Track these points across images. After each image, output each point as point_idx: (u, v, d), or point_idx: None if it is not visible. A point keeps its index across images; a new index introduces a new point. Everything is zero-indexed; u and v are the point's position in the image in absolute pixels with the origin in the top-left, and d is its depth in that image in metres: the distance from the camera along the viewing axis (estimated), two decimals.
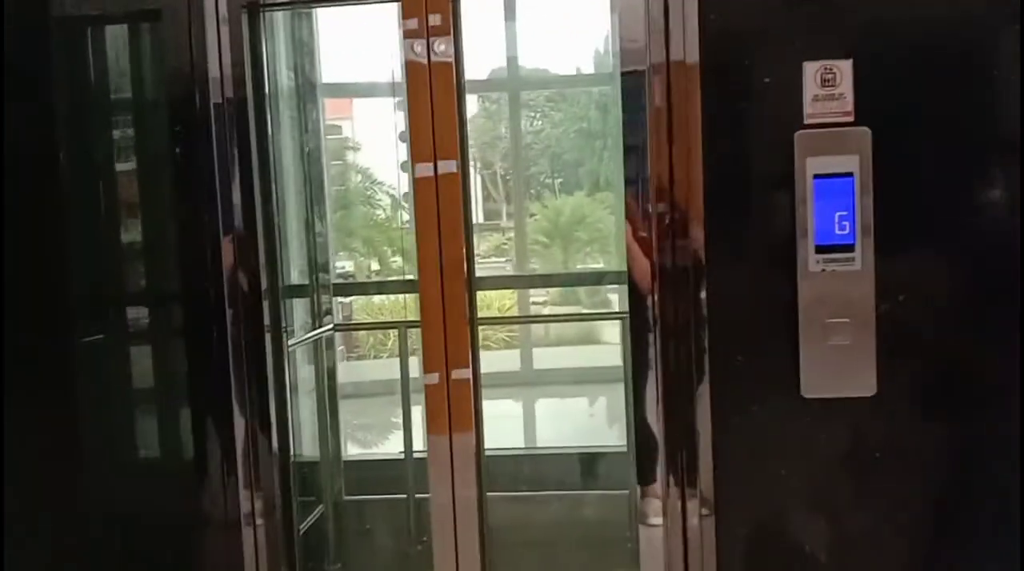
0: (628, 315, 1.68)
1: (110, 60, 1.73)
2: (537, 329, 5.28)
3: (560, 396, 4.22)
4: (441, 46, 1.71)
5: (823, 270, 1.40)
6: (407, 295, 5.15)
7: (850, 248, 1.39)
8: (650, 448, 1.65)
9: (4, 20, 1.55)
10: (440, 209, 1.73)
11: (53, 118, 1.61)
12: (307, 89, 2.85)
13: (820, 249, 1.41)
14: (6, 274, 1.57)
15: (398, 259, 6.25)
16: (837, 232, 1.37)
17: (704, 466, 1.59)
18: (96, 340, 1.69)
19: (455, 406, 1.73)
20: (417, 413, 2.84)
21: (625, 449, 3.14)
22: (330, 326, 2.79)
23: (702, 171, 1.53)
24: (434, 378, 1.73)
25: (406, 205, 6.34)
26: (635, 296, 1.63)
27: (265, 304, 1.74)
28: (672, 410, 1.60)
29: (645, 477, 1.66)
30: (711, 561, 1.60)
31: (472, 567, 1.75)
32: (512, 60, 4.82)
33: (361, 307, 4.97)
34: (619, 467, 3.03)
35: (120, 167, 1.80)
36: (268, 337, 1.74)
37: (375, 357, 5.20)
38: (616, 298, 5.37)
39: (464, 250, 1.73)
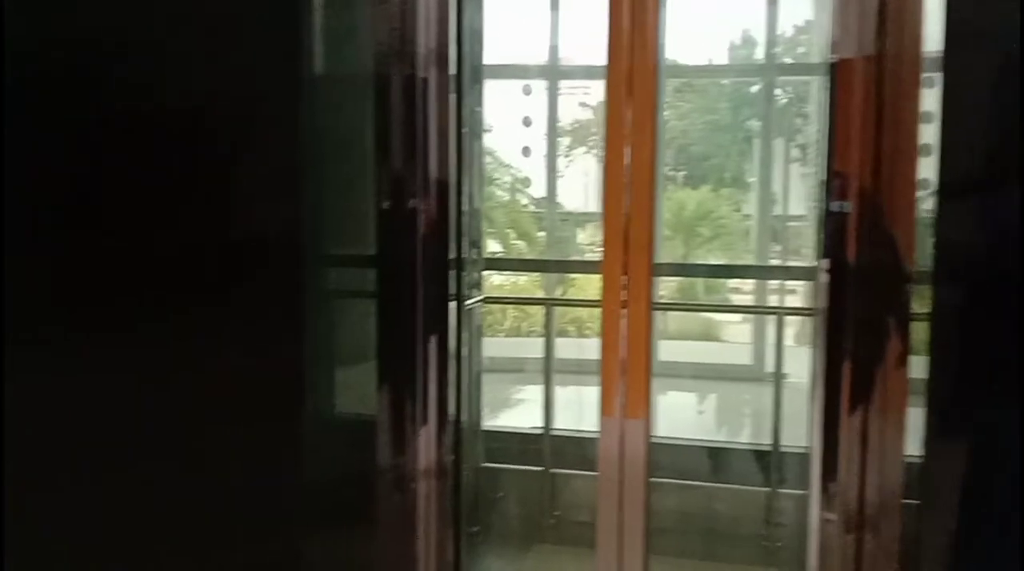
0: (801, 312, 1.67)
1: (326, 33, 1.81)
2: (657, 321, 5.24)
3: (684, 389, 4.21)
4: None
5: None
6: (533, 277, 5.24)
7: None
8: (831, 447, 1.64)
9: None
10: (629, 195, 1.75)
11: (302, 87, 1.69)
12: (471, 71, 2.92)
13: None
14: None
15: (519, 241, 6.33)
16: None
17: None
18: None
19: (631, 389, 1.77)
20: (560, 391, 2.91)
21: (754, 447, 3.13)
22: (480, 298, 2.87)
23: (914, 167, 1.49)
24: (613, 361, 1.77)
25: (524, 189, 6.42)
26: (836, 291, 1.61)
27: (451, 273, 1.82)
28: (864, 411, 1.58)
29: (829, 474, 1.65)
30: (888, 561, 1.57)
31: (635, 546, 1.79)
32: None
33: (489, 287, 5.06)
34: (746, 464, 3.01)
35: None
36: (452, 305, 1.82)
37: (491, 336, 5.30)
38: (741, 298, 5.30)
39: (650, 233, 1.76)
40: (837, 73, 1.60)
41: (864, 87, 1.56)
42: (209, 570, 1.69)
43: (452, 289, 1.84)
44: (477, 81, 2.98)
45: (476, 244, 3.00)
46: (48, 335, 1.73)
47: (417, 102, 1.75)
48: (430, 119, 1.76)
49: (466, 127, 2.98)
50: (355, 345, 1.82)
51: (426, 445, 1.80)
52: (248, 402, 1.63)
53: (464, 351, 2.78)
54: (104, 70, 1.69)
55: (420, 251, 1.76)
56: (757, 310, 4.29)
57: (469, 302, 2.76)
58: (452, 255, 1.83)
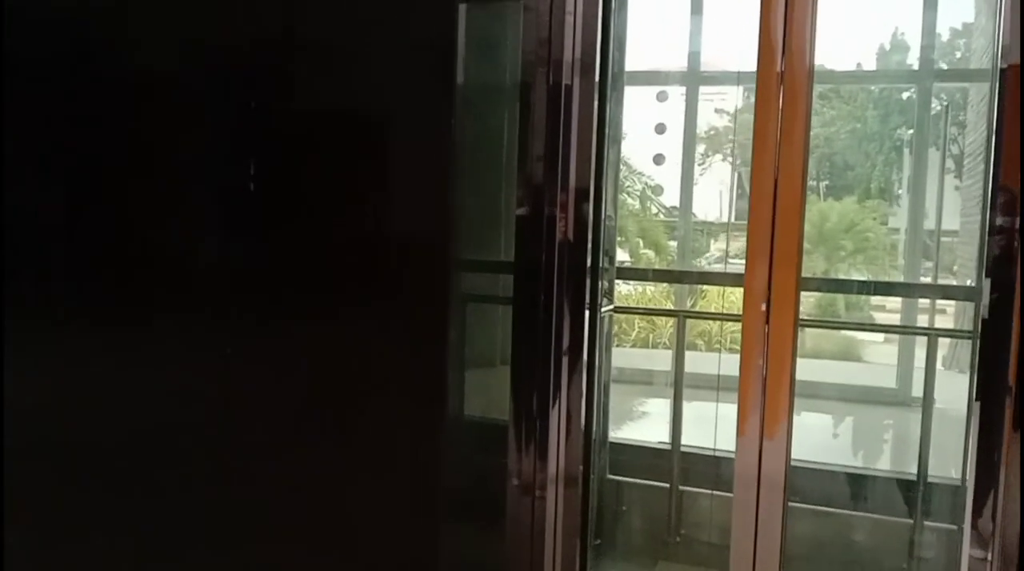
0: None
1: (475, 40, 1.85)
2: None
3: (823, 411, 4.00)
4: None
5: None
6: (661, 287, 5.15)
7: None
8: (989, 480, 1.52)
9: None
10: (777, 204, 1.69)
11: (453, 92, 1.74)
12: (613, 78, 2.89)
13: None
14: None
15: (648, 250, 6.24)
16: None
17: None
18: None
19: (771, 408, 1.70)
20: (688, 406, 2.84)
21: (897, 475, 2.94)
22: (611, 307, 2.84)
23: None
24: (753, 379, 1.71)
25: (654, 197, 6.32)
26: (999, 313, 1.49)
27: (588, 281, 1.81)
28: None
29: (979, 510, 1.53)
30: None
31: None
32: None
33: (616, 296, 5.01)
34: (890, 492, 2.83)
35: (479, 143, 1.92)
36: (587, 313, 1.81)
37: (617, 346, 5.24)
38: (884, 317, 5.00)
39: (798, 246, 1.68)
40: (1005, 80, 1.48)
41: None
42: (350, 565, 1.76)
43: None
44: (617, 88, 2.96)
45: (608, 253, 2.97)
46: (222, 332, 1.86)
47: (561, 110, 1.75)
48: (572, 127, 1.76)
49: (607, 134, 2.99)
50: (492, 350, 1.84)
51: (556, 454, 1.79)
52: (391, 404, 1.69)
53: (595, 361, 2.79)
54: (274, 76, 1.80)
55: (558, 258, 1.76)
56: (906, 330, 4.02)
57: (602, 311, 2.73)
58: (588, 263, 1.81)
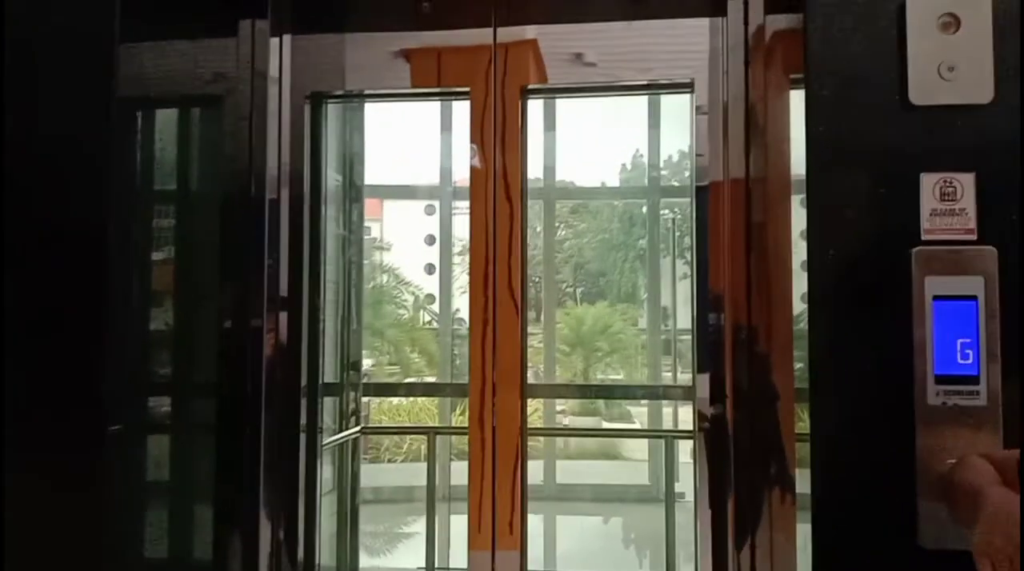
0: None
1: (164, 145, 1.73)
2: (558, 440, 5.14)
3: (585, 513, 4.05)
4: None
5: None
6: (433, 398, 5.07)
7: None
8: None
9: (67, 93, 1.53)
10: (496, 313, 1.68)
11: (105, 200, 1.58)
12: (350, 190, 2.86)
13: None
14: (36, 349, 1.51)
15: (419, 359, 6.19)
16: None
17: None
18: (120, 429, 1.61)
19: (500, 519, 1.64)
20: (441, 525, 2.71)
21: None
22: (357, 429, 2.70)
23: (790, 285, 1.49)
24: (478, 491, 1.65)
25: (428, 306, 6.36)
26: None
27: (303, 402, 1.68)
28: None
29: None
30: None
31: None
32: (549, 170, 4.91)
33: (378, 408, 4.87)
34: None
35: (163, 256, 1.77)
36: (303, 437, 1.67)
37: (389, 460, 5.05)
38: (641, 411, 5.26)
39: (521, 357, 1.68)
40: (705, 196, 1.62)
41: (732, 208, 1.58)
42: None
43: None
44: (357, 200, 2.92)
45: (356, 367, 2.85)
46: None
47: (265, 222, 1.66)
48: (281, 239, 1.67)
49: (351, 249, 2.92)
50: (189, 483, 1.63)
51: None
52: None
53: (327, 484, 2.60)
54: None
55: (264, 378, 1.62)
56: (629, 434, 4.22)
57: (341, 435, 2.59)
58: (303, 383, 1.69)
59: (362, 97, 2.04)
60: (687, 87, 1.67)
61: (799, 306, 1.54)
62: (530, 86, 1.73)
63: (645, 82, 1.73)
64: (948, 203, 1.21)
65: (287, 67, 1.70)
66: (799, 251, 1.47)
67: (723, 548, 1.57)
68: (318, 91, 1.74)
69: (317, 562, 1.78)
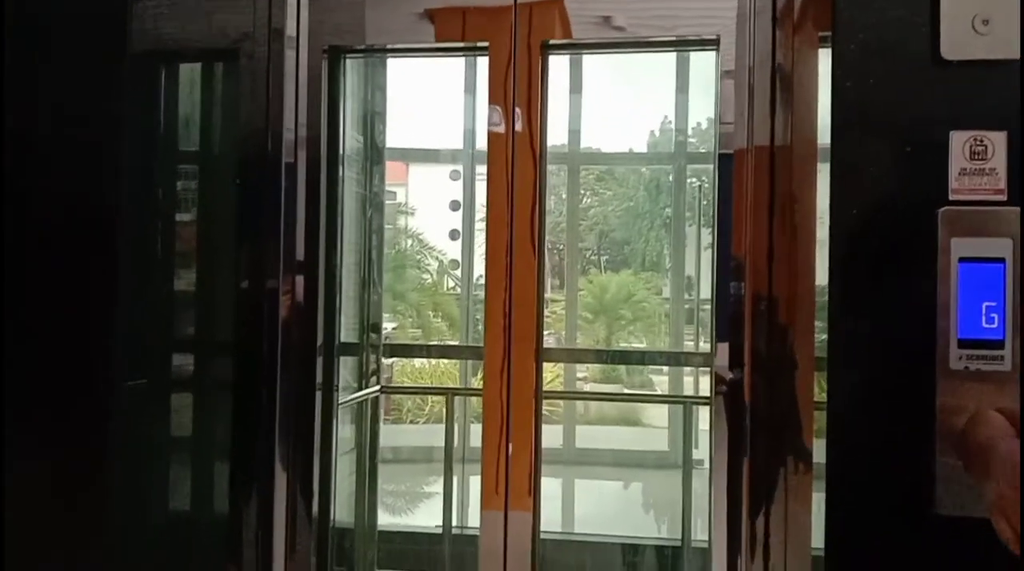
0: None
1: (181, 102, 1.72)
2: (578, 405, 5.16)
3: (603, 478, 4.07)
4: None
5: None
6: (455, 360, 5.11)
7: None
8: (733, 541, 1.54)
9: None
10: (513, 278, 1.67)
11: (120, 161, 1.58)
12: (372, 151, 2.85)
13: None
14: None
15: (441, 323, 6.23)
16: None
17: None
18: (139, 384, 1.64)
19: (514, 482, 1.64)
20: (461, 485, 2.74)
21: (673, 542, 3.00)
22: (377, 388, 2.72)
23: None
24: (495, 452, 1.65)
25: (452, 271, 6.38)
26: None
27: (319, 361, 1.68)
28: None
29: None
30: None
31: None
32: (574, 135, 4.85)
33: (401, 371, 4.91)
34: (668, 561, 2.87)
35: (182, 217, 1.77)
36: (319, 396, 1.68)
37: (411, 422, 5.11)
38: (663, 380, 5.25)
39: (537, 320, 1.67)
40: (729, 163, 1.58)
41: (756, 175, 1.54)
42: None
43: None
44: (379, 162, 2.91)
45: (376, 328, 2.86)
46: None
47: (282, 184, 1.65)
48: (298, 202, 1.66)
49: (372, 211, 2.92)
50: (207, 440, 1.65)
51: (285, 552, 1.62)
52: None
53: (347, 443, 2.63)
54: None
55: (280, 337, 1.63)
56: (643, 398, 4.21)
57: (360, 393, 2.61)
58: (319, 341, 1.69)
59: (381, 51, 2.01)
60: (712, 44, 1.62)
61: (822, 277, 1.51)
62: (551, 41, 1.69)
63: (671, 38, 1.69)
64: (978, 162, 1.16)
65: (304, 24, 1.68)
66: (824, 222, 1.44)
67: (737, 514, 1.56)
68: (336, 45, 1.72)
69: (332, 516, 1.80)
